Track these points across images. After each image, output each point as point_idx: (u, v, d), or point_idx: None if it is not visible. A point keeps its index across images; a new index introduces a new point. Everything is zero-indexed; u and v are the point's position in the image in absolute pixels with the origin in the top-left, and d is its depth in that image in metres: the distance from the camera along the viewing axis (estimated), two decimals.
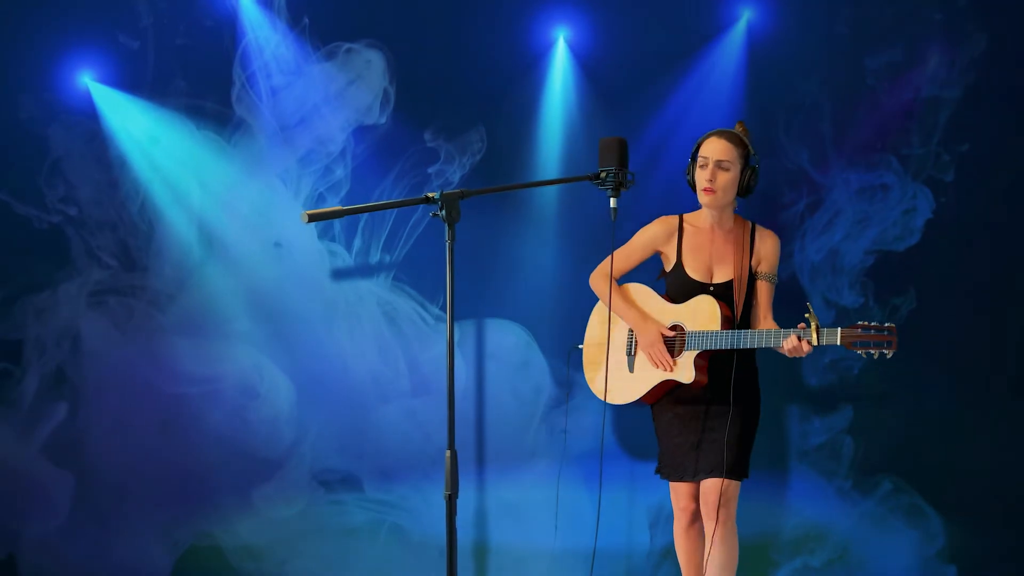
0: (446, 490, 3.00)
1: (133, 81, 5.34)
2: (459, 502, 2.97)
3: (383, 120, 5.33)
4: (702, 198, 3.87)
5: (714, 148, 3.84)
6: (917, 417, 5.13)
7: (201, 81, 5.35)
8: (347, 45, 5.30)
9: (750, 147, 3.87)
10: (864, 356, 3.63)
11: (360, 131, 5.35)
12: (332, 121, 5.33)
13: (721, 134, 3.88)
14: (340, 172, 5.37)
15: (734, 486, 3.86)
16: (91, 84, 5.32)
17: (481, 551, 5.29)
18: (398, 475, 5.35)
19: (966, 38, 5.06)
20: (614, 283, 3.98)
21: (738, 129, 3.92)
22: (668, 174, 5.14)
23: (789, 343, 3.69)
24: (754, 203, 4.82)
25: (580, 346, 4.04)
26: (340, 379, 5.36)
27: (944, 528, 5.11)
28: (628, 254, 4.02)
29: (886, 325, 3.62)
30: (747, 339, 3.75)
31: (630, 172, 3.39)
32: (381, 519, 5.34)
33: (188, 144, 5.35)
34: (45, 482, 5.29)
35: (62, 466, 5.30)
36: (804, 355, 3.73)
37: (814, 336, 3.66)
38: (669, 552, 4.04)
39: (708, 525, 3.86)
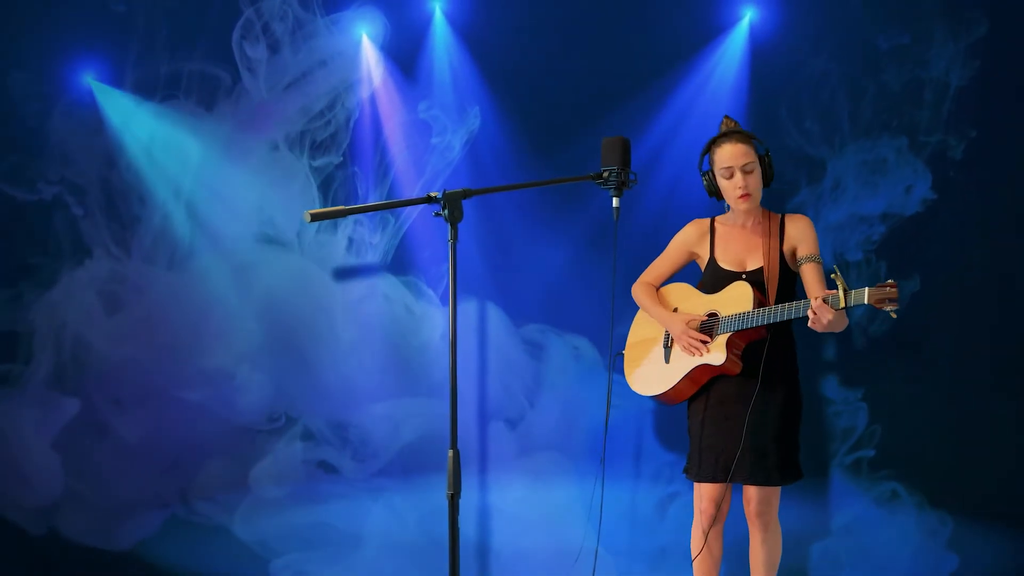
0: (448, 489, 3.01)
1: (121, 47, 5.28)
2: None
3: (380, 87, 5.31)
4: (739, 205, 3.94)
5: (732, 154, 3.90)
6: (919, 406, 5.12)
7: (194, 47, 5.29)
8: (349, 12, 5.29)
9: (755, 137, 3.96)
10: (893, 316, 3.47)
11: (358, 97, 5.32)
12: (329, 85, 5.31)
13: (729, 137, 3.94)
14: (340, 134, 5.34)
15: (771, 492, 3.89)
16: (93, 82, 5.29)
17: (483, 550, 5.30)
18: (390, 463, 5.35)
19: (968, 23, 5.07)
20: (652, 288, 4.11)
21: (731, 124, 3.99)
22: (670, 173, 5.16)
23: (816, 304, 3.59)
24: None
25: (622, 352, 4.17)
26: (331, 366, 5.36)
27: (946, 516, 5.10)
28: (665, 259, 4.15)
29: (889, 281, 3.50)
30: (776, 313, 3.75)
31: (632, 172, 3.42)
32: (372, 505, 5.33)
33: (179, 117, 5.30)
34: (53, 465, 5.35)
35: (68, 451, 5.36)
36: (829, 323, 3.59)
37: (841, 298, 3.55)
38: (684, 552, 4.06)
39: (750, 527, 3.95)
